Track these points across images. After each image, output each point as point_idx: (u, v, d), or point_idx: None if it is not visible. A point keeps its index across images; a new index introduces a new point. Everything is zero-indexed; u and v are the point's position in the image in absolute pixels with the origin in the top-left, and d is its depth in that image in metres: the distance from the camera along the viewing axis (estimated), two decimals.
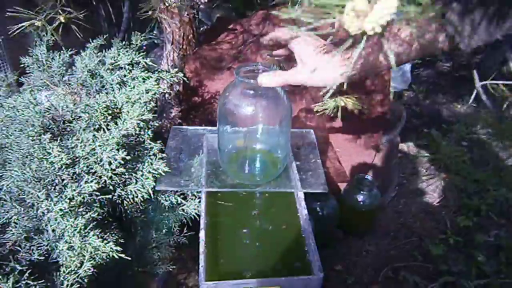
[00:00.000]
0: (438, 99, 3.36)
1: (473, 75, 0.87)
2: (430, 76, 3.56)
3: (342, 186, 1.97)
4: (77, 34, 1.31)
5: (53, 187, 0.98)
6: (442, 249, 1.95)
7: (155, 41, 2.81)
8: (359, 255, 1.94)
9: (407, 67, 1.86)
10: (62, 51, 1.36)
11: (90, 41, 1.37)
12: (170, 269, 1.39)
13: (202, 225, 1.04)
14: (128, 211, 1.21)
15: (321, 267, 0.92)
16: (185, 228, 1.35)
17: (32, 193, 0.95)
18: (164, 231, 1.33)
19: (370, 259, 1.93)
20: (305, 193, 1.16)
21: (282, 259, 1.01)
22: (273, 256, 1.04)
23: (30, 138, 1.03)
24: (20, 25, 1.40)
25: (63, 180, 0.98)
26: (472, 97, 0.86)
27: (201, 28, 2.76)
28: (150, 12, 1.43)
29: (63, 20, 1.29)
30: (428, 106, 3.28)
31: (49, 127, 1.10)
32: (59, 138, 1.03)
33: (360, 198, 1.88)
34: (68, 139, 1.05)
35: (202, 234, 1.01)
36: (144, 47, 1.44)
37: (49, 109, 1.14)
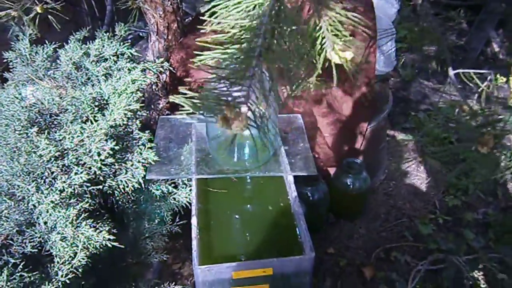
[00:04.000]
0: (425, 82, 3.39)
1: (447, 65, 0.89)
2: (416, 60, 3.59)
3: (332, 170, 1.99)
4: (57, 27, 1.30)
5: (42, 180, 0.98)
6: (432, 228, 1.99)
7: (140, 34, 2.79)
8: (350, 238, 1.97)
9: (393, 49, 1.87)
10: (45, 45, 1.35)
11: (73, 34, 1.37)
12: (164, 259, 1.41)
13: (193, 212, 1.05)
14: (119, 202, 1.22)
15: (312, 247, 0.94)
16: (177, 217, 1.36)
17: (22, 187, 0.95)
18: (156, 221, 1.34)
19: (362, 241, 1.96)
20: (295, 178, 1.18)
21: (274, 241, 1.03)
22: (265, 239, 1.06)
23: (17, 132, 1.03)
24: None
25: (52, 172, 0.99)
26: (447, 85, 0.88)
27: (186, 19, 2.75)
28: (130, 3, 1.42)
29: (39, 11, 1.27)
30: (415, 90, 3.31)
31: (36, 120, 1.10)
32: (46, 131, 1.03)
33: (349, 181, 1.90)
34: (55, 132, 1.05)
35: (194, 220, 1.02)
36: (130, 40, 1.43)
37: (35, 104, 1.14)
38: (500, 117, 0.71)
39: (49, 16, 1.28)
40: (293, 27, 0.51)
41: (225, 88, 0.48)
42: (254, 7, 0.52)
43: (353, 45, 0.55)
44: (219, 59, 0.51)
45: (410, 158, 2.53)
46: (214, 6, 0.52)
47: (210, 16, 0.55)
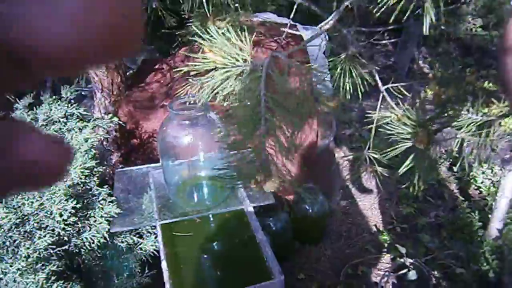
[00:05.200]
0: (364, 103, 3.61)
1: (376, 81, 1.00)
2: (352, 83, 3.83)
3: (290, 199, 2.06)
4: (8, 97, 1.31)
5: (5, 250, 0.97)
6: (391, 238, 2.09)
7: (82, 93, 2.80)
8: (318, 261, 2.03)
9: (328, 77, 2.01)
10: None
11: (18, 101, 1.38)
12: None
13: (162, 257, 1.07)
14: (86, 261, 1.21)
15: (281, 271, 0.99)
16: (146, 268, 1.36)
17: None
18: (125, 274, 1.34)
19: (329, 262, 2.02)
20: (256, 211, 1.23)
21: (243, 272, 1.07)
22: (235, 272, 1.09)
23: None
24: None
25: (14, 240, 0.98)
26: (380, 101, 0.99)
27: (127, 73, 2.80)
28: None
29: None
30: (356, 111, 3.52)
31: None
32: (3, 201, 1.03)
33: (308, 207, 1.97)
34: (12, 200, 1.05)
35: (164, 265, 1.04)
36: (72, 100, 1.46)
37: None
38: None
39: None
40: (286, 94, 0.59)
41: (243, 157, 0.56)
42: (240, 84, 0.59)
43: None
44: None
45: (361, 175, 2.66)
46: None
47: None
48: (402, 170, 0.80)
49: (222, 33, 0.54)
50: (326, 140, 2.12)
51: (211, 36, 0.55)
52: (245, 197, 1.19)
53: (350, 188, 2.56)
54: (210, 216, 1.24)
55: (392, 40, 4.85)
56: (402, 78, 3.89)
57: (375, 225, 2.23)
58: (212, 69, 0.56)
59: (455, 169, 2.64)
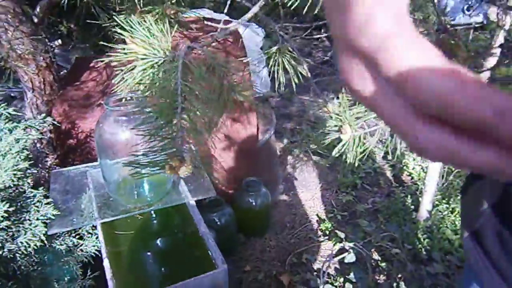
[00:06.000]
0: (304, 97, 3.72)
1: (307, 74, 1.05)
2: (290, 79, 3.92)
3: (233, 193, 2.09)
4: None
5: None
6: (332, 225, 2.18)
7: (11, 94, 2.66)
8: (263, 252, 2.07)
9: (264, 72, 2.06)
10: None
11: None
12: None
13: (104, 255, 1.06)
14: (22, 267, 1.17)
15: (224, 260, 1.01)
16: (88, 270, 1.33)
17: None
18: (66, 278, 1.30)
19: (274, 252, 2.07)
20: (198, 204, 1.24)
21: (187, 266, 1.08)
22: (180, 267, 1.10)
23: None
24: None
25: None
26: (311, 93, 1.04)
27: (61, 72, 2.69)
28: (2, 63, 1.39)
29: None
30: (296, 106, 3.61)
31: None
32: None
33: (251, 199, 2.01)
34: None
35: (106, 263, 1.03)
36: (1, 101, 1.39)
37: None
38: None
39: None
40: (202, 84, 0.61)
41: (159, 144, 0.56)
42: (160, 73, 0.60)
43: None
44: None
45: (302, 167, 2.74)
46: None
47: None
48: (331, 158, 0.85)
49: (144, 24, 0.56)
50: (266, 134, 2.17)
51: (133, 27, 0.56)
52: (186, 192, 1.20)
53: (293, 180, 2.64)
54: (152, 212, 1.24)
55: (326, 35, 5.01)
56: (339, 72, 4.04)
57: (317, 214, 2.32)
58: (134, 60, 0.57)
59: (389, 157, 2.80)
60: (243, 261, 2.01)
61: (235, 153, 2.04)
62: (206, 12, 2.19)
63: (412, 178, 2.61)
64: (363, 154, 0.81)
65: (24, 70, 1.55)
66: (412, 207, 2.25)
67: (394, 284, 1.77)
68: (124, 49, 0.57)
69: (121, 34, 0.57)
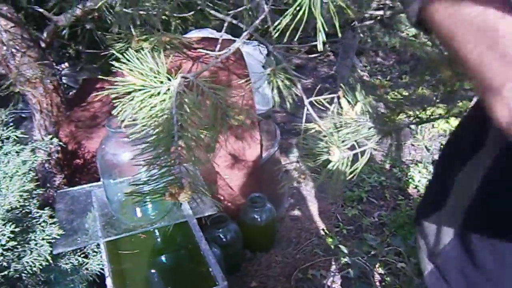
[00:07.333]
0: (309, 113, 3.74)
1: (302, 94, 1.07)
2: (295, 94, 3.96)
3: (238, 209, 2.10)
4: None
5: None
6: (338, 240, 2.18)
7: (22, 115, 2.73)
8: (269, 267, 2.08)
9: (267, 89, 2.09)
10: None
11: None
12: None
13: (107, 273, 1.08)
14: (28, 286, 1.19)
15: (224, 277, 1.03)
16: None
17: None
18: None
19: (280, 268, 2.08)
20: (205, 224, 1.27)
21: (190, 283, 1.10)
22: (181, 283, 1.12)
23: None
24: None
25: None
26: (305, 113, 1.06)
27: (69, 93, 2.76)
28: (11, 88, 1.45)
29: None
30: (301, 121, 3.64)
31: None
32: None
33: (256, 215, 2.02)
34: None
35: (108, 281, 1.05)
36: (12, 123, 1.44)
37: None
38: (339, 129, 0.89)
39: None
40: (197, 110, 0.64)
41: (158, 172, 0.59)
42: (157, 104, 0.63)
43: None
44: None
45: (307, 181, 2.75)
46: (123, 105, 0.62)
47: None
48: (321, 179, 0.87)
49: (139, 56, 0.59)
50: (270, 149, 2.19)
51: (130, 60, 0.59)
52: (188, 209, 1.22)
53: (298, 195, 2.64)
54: (155, 230, 1.26)
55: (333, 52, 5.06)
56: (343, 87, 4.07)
57: (323, 229, 2.32)
58: (133, 91, 0.60)
59: (394, 170, 2.80)
60: (248, 277, 2.02)
61: (239, 169, 2.06)
62: (208, 32, 2.24)
63: (418, 191, 2.60)
64: (353, 175, 0.83)
65: (32, 93, 1.60)
66: None
67: None
68: (121, 81, 0.60)
69: (119, 68, 0.60)
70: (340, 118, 0.91)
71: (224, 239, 1.89)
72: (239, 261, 2.03)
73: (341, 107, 0.91)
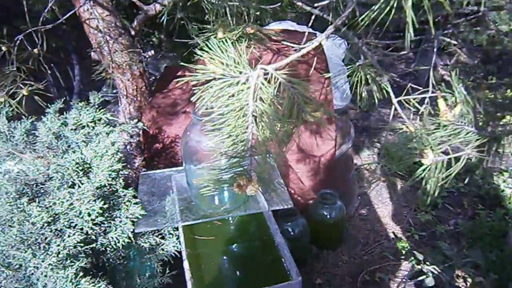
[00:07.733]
0: (383, 110, 3.61)
1: (389, 93, 1.02)
2: (372, 91, 3.84)
3: (308, 204, 2.08)
4: (41, 103, 1.38)
5: (37, 246, 1.03)
6: (410, 245, 2.09)
7: (106, 99, 2.89)
8: (335, 266, 2.04)
9: (346, 85, 2.04)
10: (22, 120, 1.42)
11: (48, 106, 1.45)
12: None
13: (184, 256, 1.12)
14: (110, 260, 1.26)
15: (298, 272, 1.02)
16: (167, 268, 1.40)
17: (17, 255, 1.00)
18: (147, 274, 1.38)
19: (346, 268, 2.03)
20: (275, 215, 1.27)
21: (263, 274, 1.10)
22: (254, 274, 1.12)
23: (8, 204, 1.08)
24: None
25: (46, 238, 1.04)
26: (392, 112, 1.01)
27: (151, 79, 2.88)
28: (104, 74, 1.53)
29: (25, 93, 1.37)
30: (375, 119, 3.52)
31: (24, 191, 1.15)
32: (36, 200, 1.09)
33: (326, 212, 1.99)
34: (44, 200, 1.11)
35: (186, 264, 1.08)
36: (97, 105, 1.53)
37: (18, 175, 1.20)
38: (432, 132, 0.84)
39: (36, 97, 1.37)
40: (273, 103, 0.64)
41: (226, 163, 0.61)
42: (235, 94, 0.64)
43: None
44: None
45: (379, 182, 2.66)
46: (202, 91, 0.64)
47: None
48: (409, 182, 0.82)
49: (221, 45, 0.59)
50: (343, 146, 2.14)
51: (212, 49, 0.60)
52: (264, 201, 1.22)
53: (369, 195, 2.57)
54: (230, 218, 1.28)
55: (412, 48, 4.84)
56: (422, 86, 3.88)
57: (393, 232, 2.23)
58: (212, 79, 0.61)
59: (475, 177, 2.62)
60: (314, 274, 2.00)
61: (312, 164, 2.04)
62: (289, 24, 2.22)
63: (500, 201, 2.42)
64: (446, 180, 0.78)
65: (121, 78, 1.68)
66: (499, 233, 2.09)
67: None
68: (202, 69, 0.61)
69: (201, 56, 0.61)
70: (434, 119, 0.85)
71: (292, 233, 1.89)
72: (305, 256, 2.01)
73: (438, 108, 0.85)
